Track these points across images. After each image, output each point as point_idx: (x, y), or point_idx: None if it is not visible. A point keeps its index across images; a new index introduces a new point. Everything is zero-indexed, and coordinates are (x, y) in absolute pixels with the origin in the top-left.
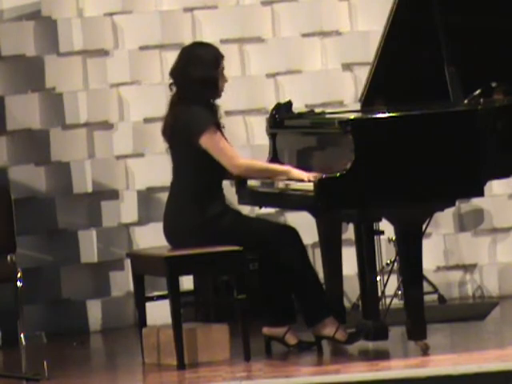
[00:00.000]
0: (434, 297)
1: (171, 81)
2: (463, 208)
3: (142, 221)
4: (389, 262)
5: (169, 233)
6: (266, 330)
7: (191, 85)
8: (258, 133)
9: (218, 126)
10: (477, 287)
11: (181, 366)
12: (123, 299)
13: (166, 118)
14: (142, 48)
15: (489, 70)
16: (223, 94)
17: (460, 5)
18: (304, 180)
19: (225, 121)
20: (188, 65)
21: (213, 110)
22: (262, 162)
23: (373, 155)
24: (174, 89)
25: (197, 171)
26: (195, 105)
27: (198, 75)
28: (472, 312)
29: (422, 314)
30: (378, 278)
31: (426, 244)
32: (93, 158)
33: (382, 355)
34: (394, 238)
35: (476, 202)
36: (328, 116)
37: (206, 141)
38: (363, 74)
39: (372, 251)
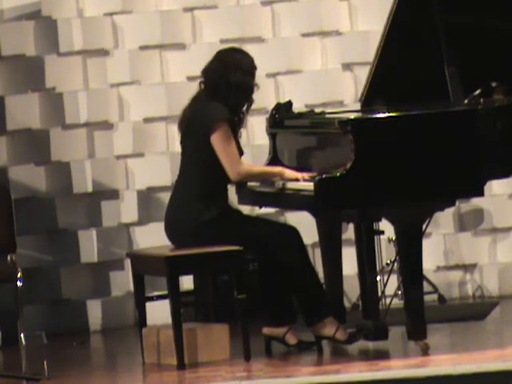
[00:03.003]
0: (434, 297)
1: (202, 79)
2: (463, 208)
3: (142, 221)
4: (389, 261)
5: (170, 231)
6: (266, 330)
7: (227, 88)
8: (258, 133)
9: (234, 129)
10: (477, 287)
11: (181, 366)
12: (123, 299)
13: (185, 111)
14: (141, 48)
15: (489, 69)
16: None
17: (460, 5)
18: (298, 179)
19: None
20: (227, 68)
21: (239, 117)
22: (257, 166)
23: (373, 155)
24: (203, 86)
25: (206, 169)
26: (218, 103)
27: (235, 80)
28: (472, 312)
29: (422, 314)
30: (378, 278)
31: (426, 244)
32: (93, 158)
33: (382, 355)
34: (394, 238)
35: (476, 201)
36: (328, 116)
37: (216, 139)
38: (363, 74)
39: (372, 251)
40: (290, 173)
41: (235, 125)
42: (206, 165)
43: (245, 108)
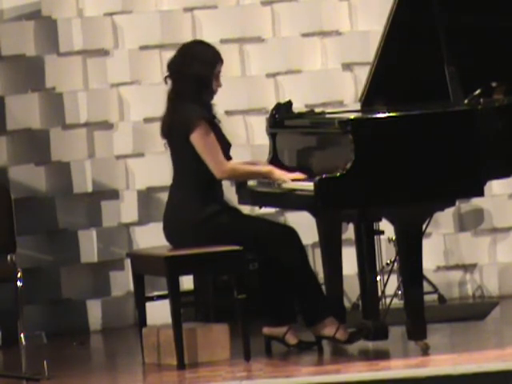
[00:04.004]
0: (434, 297)
1: (167, 73)
2: (463, 208)
3: (142, 221)
4: (389, 261)
5: (168, 231)
6: (266, 330)
7: (185, 81)
8: (258, 133)
9: (212, 124)
10: (477, 287)
11: (181, 366)
12: (123, 299)
13: (164, 116)
14: (142, 48)
15: (489, 69)
16: (223, 94)
17: (460, 4)
18: (286, 181)
19: (225, 121)
20: (185, 61)
21: (207, 109)
22: (245, 165)
23: (373, 155)
24: (170, 82)
25: (195, 169)
26: (188, 102)
27: (192, 73)
28: (472, 312)
29: (422, 314)
30: (378, 278)
31: (426, 244)
32: (93, 158)
33: (382, 355)
34: (394, 238)
35: (476, 201)
36: (328, 116)
37: (195, 138)
38: (363, 74)
39: (372, 251)
40: (279, 173)
41: (213, 120)
42: (196, 166)
43: (209, 99)
